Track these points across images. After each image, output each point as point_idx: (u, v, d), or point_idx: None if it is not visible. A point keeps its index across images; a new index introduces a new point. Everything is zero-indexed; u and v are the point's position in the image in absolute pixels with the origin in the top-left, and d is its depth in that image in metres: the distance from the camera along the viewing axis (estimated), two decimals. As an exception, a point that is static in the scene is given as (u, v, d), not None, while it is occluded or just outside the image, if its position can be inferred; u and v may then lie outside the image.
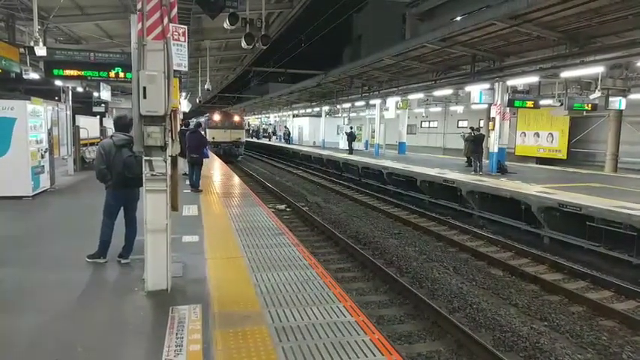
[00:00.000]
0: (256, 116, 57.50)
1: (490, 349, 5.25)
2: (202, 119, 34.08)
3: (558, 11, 10.52)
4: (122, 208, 5.39)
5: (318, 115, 36.79)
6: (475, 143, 16.22)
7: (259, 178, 21.29)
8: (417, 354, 5.39)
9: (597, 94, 15.09)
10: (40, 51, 9.33)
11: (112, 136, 5.30)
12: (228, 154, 28.73)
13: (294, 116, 44.36)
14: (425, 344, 5.66)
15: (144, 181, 4.33)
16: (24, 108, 8.96)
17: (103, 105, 17.68)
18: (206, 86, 19.54)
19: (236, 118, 30.36)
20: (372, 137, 30.26)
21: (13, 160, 8.89)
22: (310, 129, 40.38)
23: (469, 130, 17.24)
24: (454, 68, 18.18)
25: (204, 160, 11.65)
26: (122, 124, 5.35)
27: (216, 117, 29.73)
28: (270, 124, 55.70)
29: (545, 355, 5.40)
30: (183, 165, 11.84)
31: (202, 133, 12.21)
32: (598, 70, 13.33)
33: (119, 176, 5.08)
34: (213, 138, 28.42)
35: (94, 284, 4.78)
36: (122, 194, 5.27)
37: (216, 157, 23.73)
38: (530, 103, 16.48)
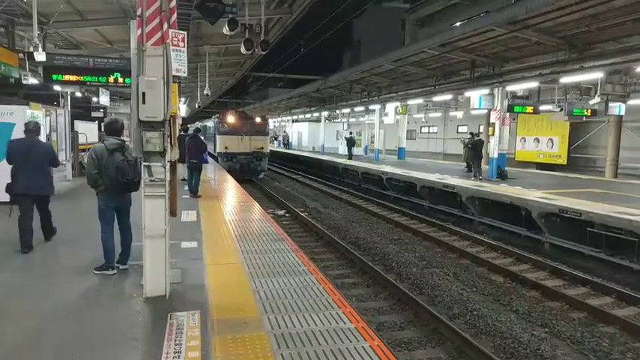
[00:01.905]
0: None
1: (491, 355, 5.21)
2: (210, 123, 28.47)
3: (557, 17, 10.55)
4: (115, 214, 5.32)
5: (318, 120, 36.83)
6: (475, 149, 16.23)
7: (258, 182, 21.30)
8: (417, 361, 5.36)
9: (597, 99, 15.12)
10: (40, 56, 9.32)
11: (103, 140, 5.21)
12: (247, 170, 21.48)
13: (293, 121, 44.40)
14: (425, 351, 5.63)
15: (142, 186, 4.30)
16: (23, 113, 8.95)
17: (101, 110, 17.71)
18: (205, 91, 19.52)
19: (258, 120, 22.81)
20: (372, 142, 30.27)
21: (12, 165, 8.85)
22: (309, 134, 40.42)
23: (469, 136, 17.26)
24: (453, 74, 18.21)
25: (203, 165, 11.67)
26: (114, 129, 5.26)
27: (230, 119, 21.96)
28: (270, 129, 55.74)
29: (546, 362, 5.37)
30: (182, 170, 11.83)
31: (202, 138, 12.21)
32: (597, 75, 13.38)
33: (112, 181, 5.01)
34: (226, 148, 21.44)
35: (92, 290, 4.75)
36: (114, 199, 5.19)
37: (217, 167, 21.14)
38: (529, 109, 16.53)
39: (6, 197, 7.62)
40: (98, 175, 5.04)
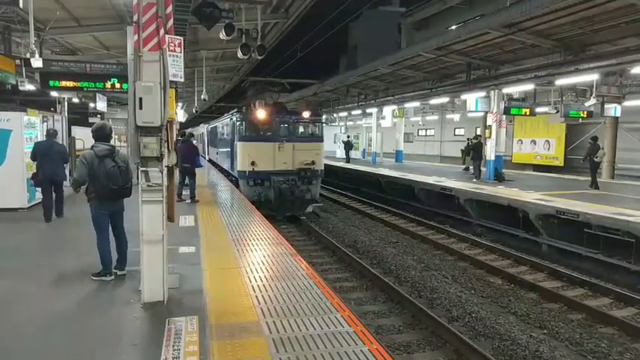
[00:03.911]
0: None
1: (490, 358, 5.22)
2: (222, 124, 18.77)
3: (552, 20, 10.62)
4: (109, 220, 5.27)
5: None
6: (475, 150, 16.38)
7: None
8: (417, 364, 5.36)
9: (592, 101, 15.16)
10: (36, 62, 9.32)
11: (92, 146, 5.12)
12: (288, 201, 13.26)
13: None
14: (424, 354, 5.63)
15: (140, 191, 4.29)
16: (20, 120, 8.94)
17: (99, 116, 17.65)
18: (202, 96, 19.55)
19: (306, 115, 14.28)
20: (369, 146, 30.30)
21: (9, 171, 8.85)
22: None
23: (474, 140, 17.55)
24: (450, 77, 18.28)
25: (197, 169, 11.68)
26: (102, 134, 5.18)
27: (261, 115, 13.53)
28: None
29: (545, 364, 5.37)
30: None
31: (193, 142, 12.08)
32: (593, 77, 13.43)
33: (103, 188, 4.94)
34: (253, 164, 13.28)
35: (89, 296, 4.73)
36: (106, 205, 5.13)
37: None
38: (526, 111, 16.56)
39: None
40: (89, 182, 4.96)
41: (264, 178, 13.33)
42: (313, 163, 13.73)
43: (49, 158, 7.95)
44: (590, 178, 13.72)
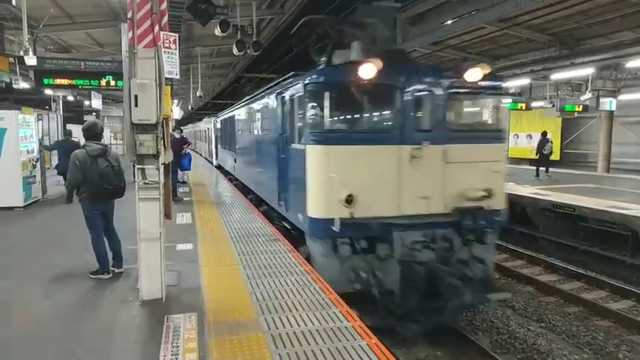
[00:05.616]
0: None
1: (488, 351, 5.25)
2: (250, 109, 10.37)
3: (546, 14, 10.62)
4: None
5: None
6: None
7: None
8: (415, 358, 5.38)
9: (588, 95, 15.23)
10: (30, 60, 9.29)
11: (84, 146, 5.03)
12: (447, 287, 5.16)
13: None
14: (423, 348, 5.64)
15: (136, 189, 4.27)
16: (15, 118, 8.89)
17: (94, 113, 17.62)
18: (198, 93, 19.51)
19: (473, 76, 5.53)
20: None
21: (4, 170, 8.80)
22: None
23: None
24: (445, 72, 18.26)
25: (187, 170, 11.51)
26: (93, 133, 5.11)
27: (371, 73, 5.07)
28: None
29: (542, 357, 5.41)
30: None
31: (175, 135, 11.77)
32: (588, 71, 13.48)
33: (96, 188, 4.87)
34: (349, 200, 5.22)
35: (88, 294, 4.73)
36: (99, 206, 5.06)
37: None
38: (522, 105, 16.59)
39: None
40: (81, 183, 4.90)
41: (376, 235, 5.64)
42: (489, 194, 5.87)
43: (65, 152, 9.32)
44: (537, 169, 15.36)
